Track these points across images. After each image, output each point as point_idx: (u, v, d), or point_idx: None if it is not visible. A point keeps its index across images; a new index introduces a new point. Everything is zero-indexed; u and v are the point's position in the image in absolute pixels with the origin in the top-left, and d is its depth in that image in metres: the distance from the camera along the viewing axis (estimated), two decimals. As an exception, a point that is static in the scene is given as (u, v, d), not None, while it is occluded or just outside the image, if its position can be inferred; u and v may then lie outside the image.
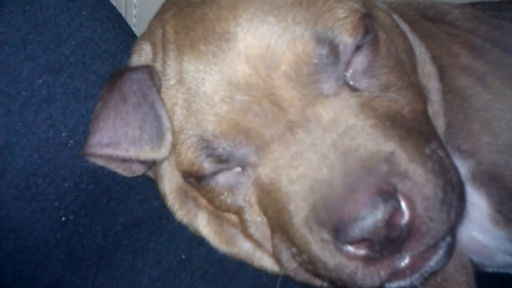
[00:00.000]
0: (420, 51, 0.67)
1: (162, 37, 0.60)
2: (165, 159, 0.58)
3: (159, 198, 0.63)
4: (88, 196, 0.56)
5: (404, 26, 0.68)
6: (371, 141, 0.51)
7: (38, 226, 0.53)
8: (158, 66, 0.60)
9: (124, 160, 0.59)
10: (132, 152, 0.56)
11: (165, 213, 0.62)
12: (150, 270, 0.58)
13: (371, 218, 0.47)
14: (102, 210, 0.58)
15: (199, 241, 0.62)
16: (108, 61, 0.60)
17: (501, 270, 0.73)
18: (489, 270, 0.73)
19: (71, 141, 0.56)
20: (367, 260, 0.49)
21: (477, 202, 0.66)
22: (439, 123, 0.64)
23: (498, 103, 0.65)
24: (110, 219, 0.58)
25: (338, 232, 0.48)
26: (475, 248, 0.68)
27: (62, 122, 0.56)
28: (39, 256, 0.53)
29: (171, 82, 0.58)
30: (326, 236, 0.50)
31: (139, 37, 0.67)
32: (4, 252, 0.52)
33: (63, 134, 0.55)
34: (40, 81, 0.54)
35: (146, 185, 0.64)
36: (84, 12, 0.62)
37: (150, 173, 0.63)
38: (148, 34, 0.64)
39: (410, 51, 0.64)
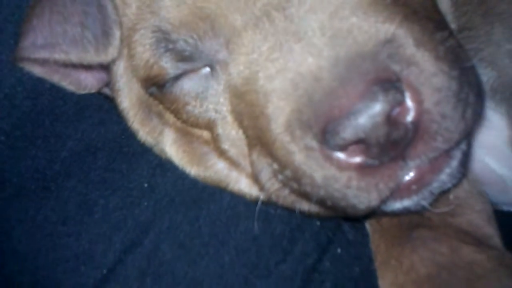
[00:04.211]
0: None
1: None
2: (113, 61, 0.47)
3: (119, 123, 0.53)
4: (25, 114, 0.47)
5: None
6: (367, 21, 0.41)
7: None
8: None
9: (67, 68, 0.49)
10: (73, 55, 0.45)
11: (125, 140, 0.53)
12: (105, 201, 0.49)
13: (367, 112, 0.37)
14: (45, 132, 0.48)
15: (165, 167, 0.52)
16: None
17: None
18: (505, 208, 0.63)
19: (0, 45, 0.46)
20: (363, 169, 0.39)
21: (495, 122, 0.56)
22: (449, 16, 0.54)
23: None
24: (55, 143, 0.49)
25: (326, 135, 0.39)
26: (489, 179, 0.58)
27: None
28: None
29: None
30: (312, 142, 0.40)
31: None
32: None
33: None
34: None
35: (103, 108, 0.54)
36: None
37: (106, 90, 0.53)
38: None
39: None
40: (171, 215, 0.48)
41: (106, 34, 0.45)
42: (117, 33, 0.45)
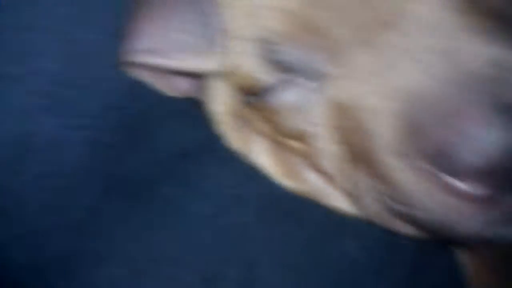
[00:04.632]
0: None
1: None
2: (218, 70, 0.46)
3: (207, 127, 0.52)
4: (128, 116, 0.46)
5: None
6: (476, 42, 0.38)
7: (70, 145, 0.44)
8: None
9: (167, 73, 0.48)
10: (179, 60, 0.45)
11: (213, 144, 0.52)
12: (200, 207, 0.48)
13: (502, 139, 0.35)
14: (145, 134, 0.47)
15: (255, 174, 0.51)
16: None
17: None
18: None
19: (108, 47, 0.45)
20: (486, 201, 0.38)
21: None
22: None
23: None
24: (154, 146, 0.48)
25: (445, 160, 0.37)
26: None
27: (99, 20, 0.45)
28: (73, 181, 0.44)
29: None
30: (425, 166, 0.38)
31: None
32: (31, 174, 0.43)
33: (100, 37, 0.44)
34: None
35: (191, 112, 0.53)
36: None
37: (196, 94, 0.52)
38: None
39: None
40: (261, 225, 0.48)
41: (213, 42, 0.44)
42: (221, 42, 0.44)
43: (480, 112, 0.36)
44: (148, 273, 0.44)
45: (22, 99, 0.43)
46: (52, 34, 0.44)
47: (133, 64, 0.46)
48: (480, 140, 0.36)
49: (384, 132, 0.40)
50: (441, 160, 0.37)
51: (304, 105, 0.46)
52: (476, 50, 0.38)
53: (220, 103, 0.51)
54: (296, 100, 0.46)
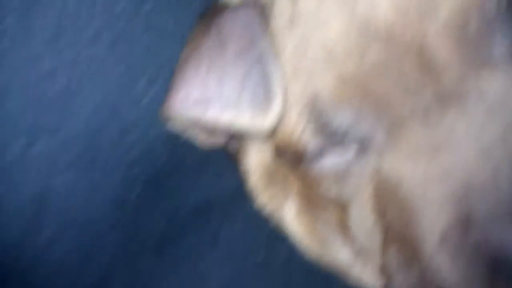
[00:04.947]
0: None
1: None
2: (266, 132, 0.44)
3: (236, 176, 0.50)
4: (158, 169, 0.44)
5: None
6: None
7: (93, 202, 0.41)
8: (264, 1, 0.46)
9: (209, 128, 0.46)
10: (226, 117, 0.42)
11: (241, 196, 0.50)
12: (220, 266, 0.46)
13: None
14: (172, 187, 0.45)
15: (282, 236, 0.49)
16: None
17: None
18: None
19: (148, 95, 0.43)
20: None
21: None
22: None
23: None
24: (180, 198, 0.46)
25: (503, 267, 0.35)
26: None
27: (140, 66, 0.42)
28: (91, 238, 0.41)
29: (280, 23, 0.44)
30: (477, 269, 0.37)
31: None
32: (51, 230, 0.40)
33: (140, 84, 0.42)
34: (120, 6, 0.40)
35: (222, 158, 0.51)
36: None
37: (231, 144, 0.50)
38: None
39: None
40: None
41: (267, 101, 0.42)
42: (279, 104, 0.42)
43: None
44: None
45: (44, 153, 0.41)
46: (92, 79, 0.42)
47: (177, 116, 0.44)
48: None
49: (431, 222, 0.38)
50: (500, 265, 0.36)
51: (346, 172, 0.44)
52: None
53: (254, 157, 0.49)
54: (337, 166, 0.44)
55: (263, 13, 0.43)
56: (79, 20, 0.39)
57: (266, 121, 0.42)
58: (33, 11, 0.39)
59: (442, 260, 0.38)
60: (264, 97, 0.42)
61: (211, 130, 0.46)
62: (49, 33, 0.39)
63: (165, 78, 0.44)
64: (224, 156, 0.52)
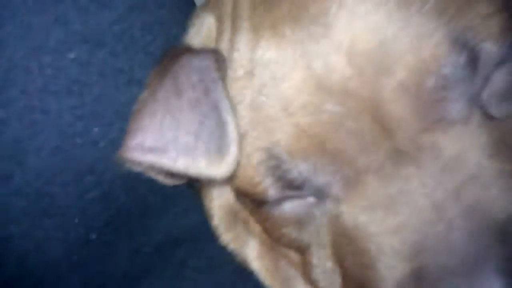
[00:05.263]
0: None
1: (233, 11, 0.46)
2: (222, 179, 0.44)
3: (200, 212, 0.50)
4: (118, 209, 0.44)
5: None
6: (500, 194, 0.37)
7: (50, 246, 0.41)
8: (222, 48, 0.46)
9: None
10: (181, 164, 0.42)
11: (205, 232, 0.50)
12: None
13: None
14: (134, 226, 0.45)
15: (247, 273, 0.49)
16: (161, 35, 0.46)
17: None
18: None
19: (104, 139, 0.43)
20: None
21: None
22: None
23: None
24: (142, 237, 0.46)
25: None
26: None
27: (95, 113, 0.42)
28: (52, 279, 0.41)
29: (239, 72, 0.43)
30: None
31: (200, 5, 0.52)
32: (8, 276, 0.40)
33: (95, 129, 0.42)
34: (72, 55, 0.40)
35: (185, 195, 0.51)
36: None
37: (193, 183, 0.50)
38: (213, 3, 0.50)
39: None
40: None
41: (221, 150, 0.42)
42: (234, 153, 0.42)
43: (492, 277, 0.34)
44: None
45: (6, 200, 0.40)
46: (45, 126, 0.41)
47: (133, 161, 0.43)
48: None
49: (387, 272, 0.38)
50: None
51: (306, 217, 0.44)
52: (501, 203, 0.37)
53: (217, 199, 0.49)
54: (296, 213, 0.44)
55: (221, 61, 0.43)
56: (29, 69, 0.39)
57: (221, 168, 0.42)
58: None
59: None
60: (219, 145, 0.42)
61: (169, 173, 0.46)
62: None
63: (121, 123, 0.43)
64: (188, 193, 0.52)
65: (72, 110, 0.41)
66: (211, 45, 0.47)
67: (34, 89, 0.39)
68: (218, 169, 0.42)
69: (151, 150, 0.42)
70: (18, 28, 0.40)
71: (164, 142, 0.42)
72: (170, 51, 0.44)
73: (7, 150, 0.39)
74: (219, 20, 0.48)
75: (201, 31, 0.49)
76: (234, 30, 0.45)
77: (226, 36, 0.46)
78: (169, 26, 0.49)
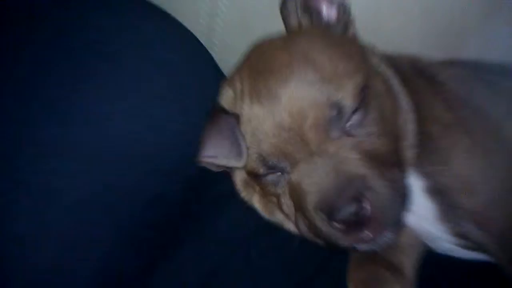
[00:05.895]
0: (405, 103, 0.97)
1: (241, 89, 0.93)
2: (241, 166, 1.00)
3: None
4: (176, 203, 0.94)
5: (395, 82, 0.95)
6: (355, 168, 0.82)
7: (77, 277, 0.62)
8: (237, 108, 0.92)
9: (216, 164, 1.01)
10: (223, 161, 0.97)
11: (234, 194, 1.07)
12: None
13: (348, 210, 0.80)
14: (192, 220, 0.97)
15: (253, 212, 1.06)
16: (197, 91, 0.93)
17: (447, 253, 1.04)
18: (439, 251, 1.01)
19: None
20: (344, 231, 0.82)
21: (428, 205, 1.01)
22: (409, 154, 0.97)
23: (457, 148, 0.94)
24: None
25: (330, 216, 0.87)
26: (424, 234, 1.04)
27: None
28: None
29: (244, 120, 0.96)
30: (324, 216, 0.89)
31: (224, 81, 0.97)
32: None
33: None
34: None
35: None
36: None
37: (228, 170, 1.06)
38: (230, 81, 0.96)
39: (394, 107, 0.91)
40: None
41: (240, 155, 0.97)
42: (244, 156, 0.97)
43: (344, 200, 0.86)
44: None
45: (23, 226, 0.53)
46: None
47: (203, 161, 0.99)
48: (342, 209, 0.86)
49: (309, 201, 0.91)
50: (329, 215, 0.88)
51: (277, 182, 0.99)
52: (355, 172, 0.86)
53: (239, 177, 1.06)
54: (274, 180, 0.99)
55: (236, 117, 0.98)
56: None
57: (240, 163, 0.98)
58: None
59: (315, 218, 0.94)
60: (238, 153, 0.97)
61: (218, 166, 1.03)
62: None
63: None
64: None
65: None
66: (231, 106, 0.93)
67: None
68: (239, 163, 0.98)
69: (212, 156, 0.99)
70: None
71: (215, 153, 0.99)
72: (214, 109, 0.98)
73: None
74: (234, 92, 1.03)
75: (226, 99, 1.03)
76: (241, 99, 1.00)
77: (239, 103, 1.00)
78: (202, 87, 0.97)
